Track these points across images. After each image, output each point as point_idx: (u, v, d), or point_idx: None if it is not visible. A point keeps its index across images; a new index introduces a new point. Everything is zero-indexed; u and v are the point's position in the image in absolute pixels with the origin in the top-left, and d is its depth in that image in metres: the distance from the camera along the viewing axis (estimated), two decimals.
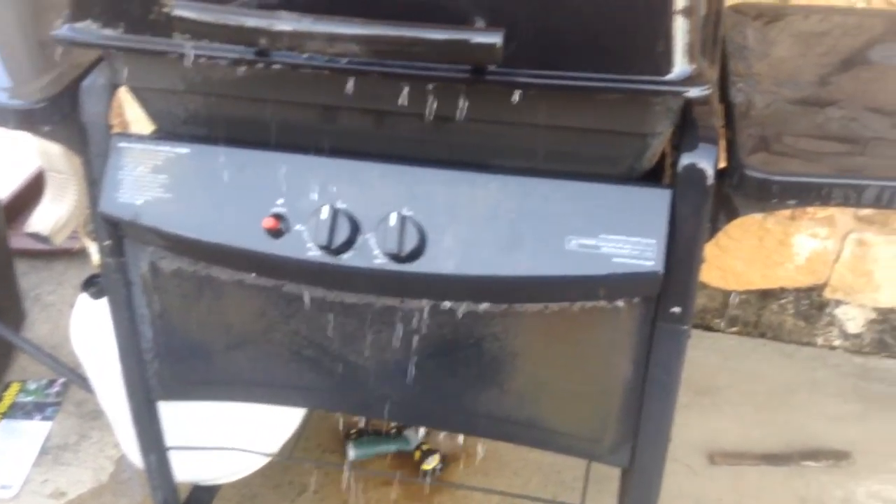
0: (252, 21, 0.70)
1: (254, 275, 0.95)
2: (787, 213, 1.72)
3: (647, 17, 0.69)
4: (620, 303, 0.86)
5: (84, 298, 1.38)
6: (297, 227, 0.86)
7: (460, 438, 1.66)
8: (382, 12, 0.68)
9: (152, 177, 0.90)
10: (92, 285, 1.34)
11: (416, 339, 0.94)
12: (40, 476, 1.65)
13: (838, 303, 1.84)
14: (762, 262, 1.82)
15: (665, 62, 0.70)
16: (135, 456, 1.48)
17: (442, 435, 1.67)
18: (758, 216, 1.70)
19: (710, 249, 0.85)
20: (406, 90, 0.75)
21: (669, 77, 0.70)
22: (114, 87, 0.91)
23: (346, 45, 0.68)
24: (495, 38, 0.66)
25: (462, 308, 0.90)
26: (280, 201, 0.87)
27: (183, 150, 0.90)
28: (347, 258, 0.85)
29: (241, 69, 0.78)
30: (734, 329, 1.95)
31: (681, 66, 0.70)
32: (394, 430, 1.69)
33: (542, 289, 0.85)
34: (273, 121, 0.86)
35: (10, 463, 1.67)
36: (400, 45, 0.68)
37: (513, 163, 0.83)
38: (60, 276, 2.14)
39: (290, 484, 1.62)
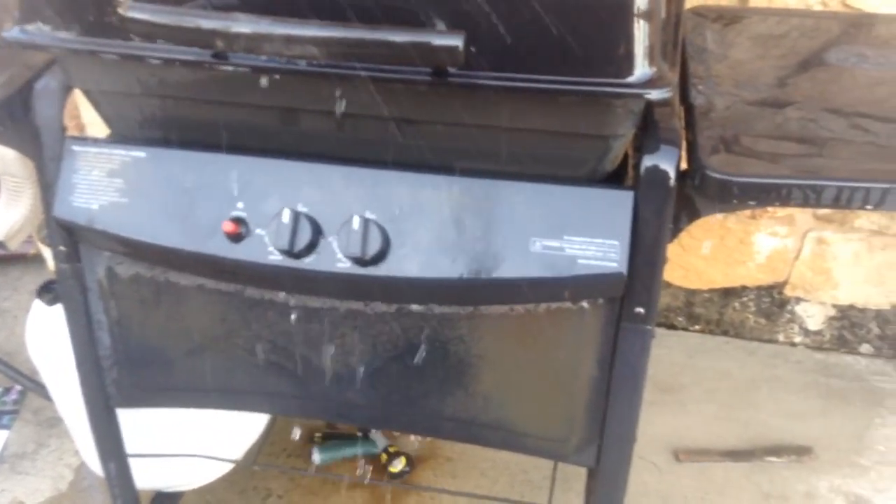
0: (208, 23, 0.68)
1: (214, 280, 0.93)
2: (747, 212, 1.75)
3: (609, 20, 0.69)
4: (585, 304, 0.86)
5: (39, 305, 1.35)
6: (258, 231, 0.85)
7: (426, 441, 1.66)
8: (342, 14, 0.67)
9: (108, 181, 0.88)
10: (47, 292, 1.31)
11: (380, 342, 0.93)
12: None
13: (798, 300, 1.87)
14: (724, 260, 1.84)
15: (626, 65, 0.70)
16: (94, 464, 1.45)
17: (411, 437, 1.67)
18: (719, 216, 1.72)
19: (672, 249, 0.85)
20: (366, 93, 0.75)
21: (630, 80, 0.70)
22: (67, 90, 0.89)
23: (304, 48, 0.67)
24: (456, 41, 0.66)
25: (427, 311, 0.89)
26: (240, 205, 0.85)
27: (139, 153, 0.88)
28: (310, 262, 0.84)
29: (198, 72, 0.77)
30: (697, 327, 1.97)
31: (642, 68, 0.70)
32: (360, 434, 1.68)
33: (507, 291, 0.85)
34: (231, 123, 0.84)
35: None
36: (360, 48, 0.68)
37: (476, 165, 0.82)
38: (16, 281, 2.10)
39: (255, 489, 1.60)
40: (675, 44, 0.79)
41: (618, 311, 0.86)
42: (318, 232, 0.84)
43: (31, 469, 1.65)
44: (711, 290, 1.90)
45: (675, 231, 0.85)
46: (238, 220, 0.85)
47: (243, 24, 0.67)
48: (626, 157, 0.86)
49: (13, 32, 0.79)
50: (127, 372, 1.05)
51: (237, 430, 1.48)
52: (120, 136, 0.91)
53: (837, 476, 1.63)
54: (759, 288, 1.88)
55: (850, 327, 1.89)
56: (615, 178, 0.85)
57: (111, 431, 1.13)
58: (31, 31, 0.79)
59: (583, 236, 0.81)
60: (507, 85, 0.71)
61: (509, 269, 0.82)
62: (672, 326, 1.98)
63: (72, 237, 0.95)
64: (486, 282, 0.83)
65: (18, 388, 1.79)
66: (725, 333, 1.96)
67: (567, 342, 0.90)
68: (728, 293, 1.90)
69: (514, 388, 0.96)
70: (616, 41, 0.69)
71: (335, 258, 0.84)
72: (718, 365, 1.88)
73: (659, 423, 1.72)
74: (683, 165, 0.81)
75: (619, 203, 0.80)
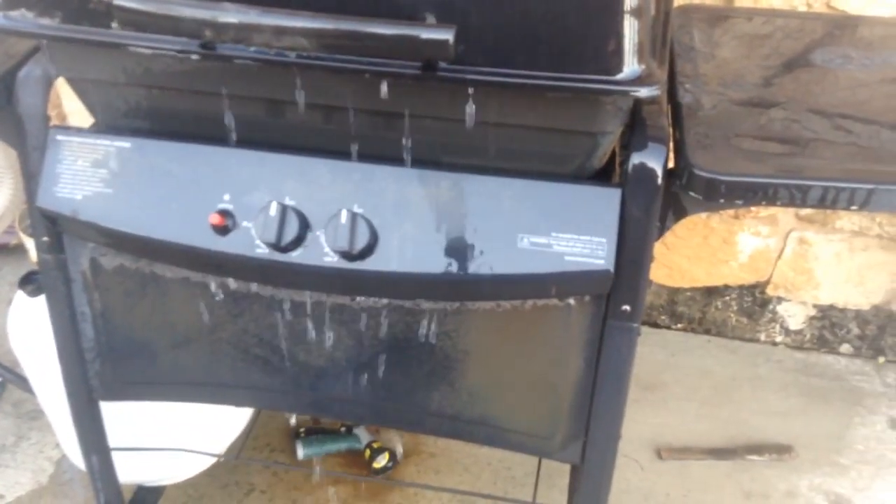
0: (196, 12, 0.68)
1: (199, 272, 0.92)
2: (731, 211, 1.76)
3: (598, 17, 0.69)
4: (571, 301, 0.86)
5: (21, 296, 1.33)
6: (245, 223, 0.84)
7: (410, 436, 1.66)
8: (332, 6, 0.67)
9: (92, 171, 0.88)
10: (29, 283, 1.30)
11: (366, 337, 0.93)
12: None
13: (780, 300, 1.89)
14: (707, 259, 1.85)
15: (615, 62, 0.70)
16: (76, 457, 1.44)
17: (394, 432, 1.67)
18: (702, 215, 1.73)
19: (656, 247, 0.86)
20: (356, 86, 0.74)
21: (619, 77, 0.70)
22: (51, 78, 0.88)
23: (293, 39, 0.67)
24: (447, 35, 0.65)
25: (414, 306, 0.89)
26: (226, 197, 0.85)
27: (124, 143, 0.87)
28: (297, 256, 0.84)
29: (185, 62, 0.76)
30: (679, 326, 1.98)
31: (631, 66, 0.70)
32: (343, 429, 1.68)
33: (494, 287, 0.85)
34: (218, 115, 0.84)
35: None
36: (350, 40, 0.67)
37: (464, 160, 0.82)
38: None
39: (238, 484, 1.60)
40: (663, 42, 0.79)
41: (604, 308, 0.86)
42: (305, 225, 0.83)
43: (11, 462, 1.63)
44: (694, 289, 1.92)
45: (662, 230, 0.85)
46: (225, 213, 0.84)
47: (232, 14, 0.67)
48: (613, 154, 0.86)
49: None
50: (110, 364, 1.04)
51: (220, 424, 1.47)
52: (105, 126, 0.91)
53: (818, 475, 1.64)
54: (741, 287, 1.89)
55: (830, 327, 1.91)
56: (603, 176, 0.85)
57: (94, 424, 1.12)
58: (14, 18, 0.78)
59: (570, 233, 0.81)
60: (497, 80, 0.71)
61: (497, 264, 0.82)
62: (655, 325, 1.99)
63: (55, 228, 0.94)
64: (473, 277, 0.83)
65: None
66: (707, 332, 1.97)
67: (553, 339, 0.90)
68: (710, 292, 1.91)
69: (499, 384, 0.96)
70: (605, 38, 0.69)
71: (322, 252, 0.83)
72: (700, 363, 1.90)
73: (641, 421, 1.73)
74: (670, 164, 0.81)
75: (607, 200, 0.80)
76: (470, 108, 0.76)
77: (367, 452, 1.63)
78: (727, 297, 1.91)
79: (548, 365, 0.92)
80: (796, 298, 1.88)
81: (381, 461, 1.61)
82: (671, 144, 0.82)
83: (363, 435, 1.66)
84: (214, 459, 1.48)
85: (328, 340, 0.94)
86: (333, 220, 0.82)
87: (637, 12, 0.69)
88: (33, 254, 1.00)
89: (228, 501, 1.56)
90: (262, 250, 0.84)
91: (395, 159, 0.83)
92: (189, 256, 0.88)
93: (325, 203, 0.83)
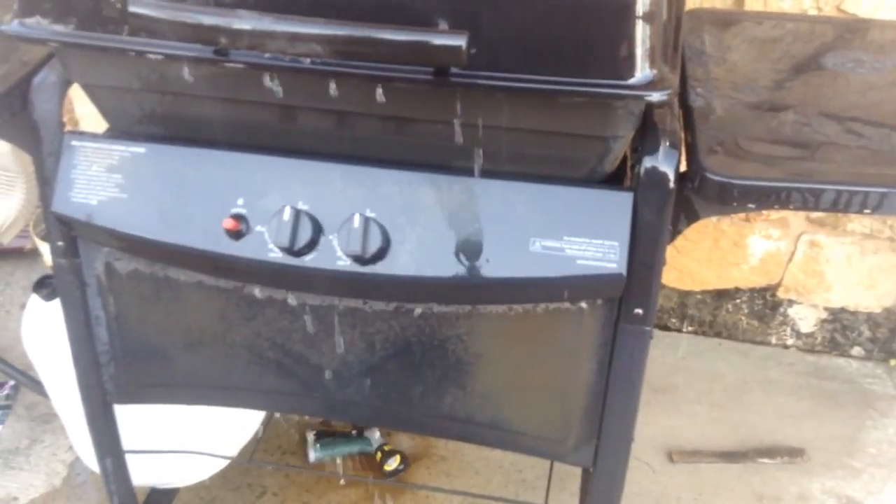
0: (211, 19, 0.68)
1: (213, 277, 0.93)
2: (741, 214, 1.75)
3: (611, 22, 0.69)
4: (584, 304, 0.86)
5: (36, 300, 1.34)
6: (258, 228, 0.85)
7: (421, 439, 1.66)
8: (346, 13, 0.68)
9: (107, 176, 0.88)
10: (44, 287, 1.31)
11: (378, 340, 0.93)
12: None
13: (791, 303, 1.88)
14: (717, 262, 1.85)
15: (627, 67, 0.70)
16: (90, 460, 1.45)
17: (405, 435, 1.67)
18: (713, 218, 1.73)
19: (667, 250, 0.86)
20: (369, 92, 0.75)
21: (632, 81, 0.70)
22: (66, 85, 0.89)
23: (307, 46, 0.67)
24: (459, 41, 0.66)
25: (426, 309, 0.90)
26: (240, 202, 0.85)
27: (139, 149, 0.88)
28: (310, 260, 0.84)
29: (200, 68, 0.77)
30: (690, 328, 1.98)
31: (643, 70, 0.70)
32: (355, 432, 1.68)
33: (506, 290, 0.85)
34: (232, 120, 0.84)
35: None
36: (363, 46, 0.68)
37: (476, 165, 0.83)
38: (8, 276, 2.08)
39: (250, 486, 1.60)
40: (675, 46, 0.79)
41: (616, 311, 0.86)
42: (318, 230, 0.84)
43: (25, 464, 1.64)
44: (704, 292, 1.91)
45: (674, 233, 0.85)
46: (238, 217, 0.85)
47: (246, 21, 0.67)
48: (625, 158, 0.87)
49: (12, 26, 0.79)
50: (124, 368, 1.05)
51: (233, 427, 1.48)
52: (119, 132, 0.91)
53: (829, 478, 1.64)
54: (752, 290, 1.89)
55: (841, 330, 1.90)
56: (614, 180, 0.85)
57: (108, 427, 1.13)
58: (30, 25, 0.78)
59: (582, 237, 0.81)
60: (509, 85, 0.72)
61: (509, 268, 0.82)
62: (665, 327, 1.98)
63: (70, 232, 0.94)
64: (485, 281, 0.83)
65: (11, 383, 1.78)
66: (718, 335, 1.97)
67: (565, 342, 0.90)
68: (721, 295, 1.91)
69: (511, 387, 0.96)
70: (618, 43, 0.70)
71: (335, 256, 0.84)
72: (711, 366, 1.89)
73: (652, 424, 1.73)
74: (682, 167, 0.81)
75: (619, 204, 0.81)
76: (481, 114, 0.76)
77: (379, 455, 1.63)
78: (738, 300, 1.91)
79: (560, 368, 0.93)
80: (807, 301, 1.87)
81: (392, 464, 1.61)
82: (683, 148, 0.82)
83: (374, 437, 1.66)
84: (227, 462, 1.48)
85: (340, 344, 0.95)
86: (346, 225, 0.83)
87: (649, 17, 0.69)
88: (48, 258, 1.01)
89: None
90: (275, 254, 0.85)
91: (407, 163, 0.83)
92: (203, 261, 0.89)
93: (338, 207, 0.84)
